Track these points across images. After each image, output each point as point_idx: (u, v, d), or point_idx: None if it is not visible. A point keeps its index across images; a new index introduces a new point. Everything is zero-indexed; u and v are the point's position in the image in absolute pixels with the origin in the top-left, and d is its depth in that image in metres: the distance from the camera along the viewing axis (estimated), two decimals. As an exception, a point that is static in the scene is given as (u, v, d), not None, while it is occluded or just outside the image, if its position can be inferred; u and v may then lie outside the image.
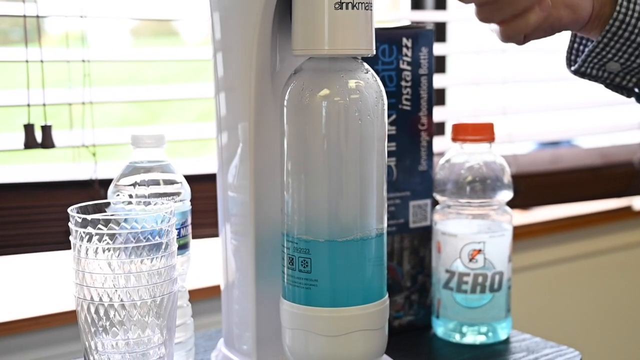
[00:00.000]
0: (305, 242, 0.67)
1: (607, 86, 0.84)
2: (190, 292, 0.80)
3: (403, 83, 0.84)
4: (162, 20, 1.37)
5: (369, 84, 0.66)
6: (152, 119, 1.42)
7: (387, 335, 0.71)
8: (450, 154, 0.87)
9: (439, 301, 0.86)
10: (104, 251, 0.64)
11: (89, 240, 0.64)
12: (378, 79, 0.68)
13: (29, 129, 1.12)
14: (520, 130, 1.66)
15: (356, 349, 0.68)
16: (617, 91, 0.85)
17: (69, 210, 0.65)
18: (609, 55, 0.78)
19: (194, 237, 0.78)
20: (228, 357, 0.78)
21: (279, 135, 0.68)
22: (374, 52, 0.67)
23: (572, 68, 0.83)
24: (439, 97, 1.59)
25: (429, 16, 1.54)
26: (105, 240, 0.64)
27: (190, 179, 0.79)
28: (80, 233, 0.64)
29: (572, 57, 0.85)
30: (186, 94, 1.29)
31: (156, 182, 0.75)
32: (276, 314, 0.72)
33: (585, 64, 0.81)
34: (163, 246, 0.65)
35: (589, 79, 0.84)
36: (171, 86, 1.30)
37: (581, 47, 0.84)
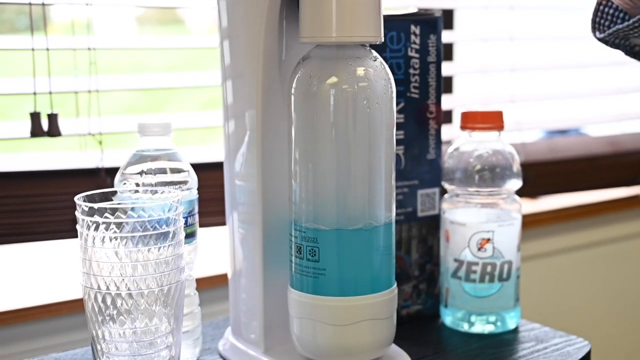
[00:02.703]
0: (313, 230, 0.67)
1: (626, 53, 0.83)
2: (198, 281, 0.80)
3: (411, 71, 0.84)
4: (167, 8, 1.36)
5: (377, 72, 0.66)
6: (159, 107, 1.42)
7: (395, 325, 0.71)
8: (458, 142, 0.86)
9: (447, 290, 0.86)
10: (111, 240, 0.64)
11: (96, 229, 0.64)
12: (386, 66, 0.67)
13: (35, 117, 1.12)
14: (529, 118, 1.65)
15: (364, 338, 0.68)
16: (635, 58, 0.84)
17: (75, 199, 0.65)
18: (637, 34, 0.77)
19: (201, 226, 0.78)
20: (235, 346, 0.78)
21: (287, 124, 0.68)
22: (382, 40, 0.67)
23: (598, 35, 0.82)
24: (446, 85, 1.58)
25: (436, 3, 1.53)
26: (112, 229, 0.64)
27: (197, 167, 0.79)
28: (87, 222, 0.64)
29: (598, 20, 0.83)
30: (192, 82, 1.28)
31: (163, 171, 0.74)
32: (284, 303, 0.72)
33: (610, 37, 0.79)
34: (170, 235, 0.65)
35: (611, 47, 0.82)
36: (177, 74, 1.30)
37: (607, 10, 0.82)
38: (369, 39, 0.65)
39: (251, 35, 0.70)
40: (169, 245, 0.65)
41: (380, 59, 0.67)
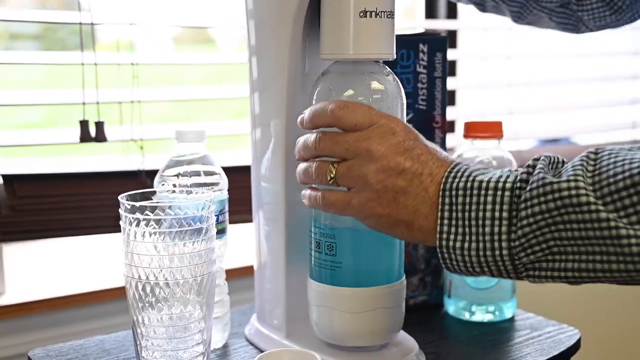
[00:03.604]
0: (330, 228, 0.66)
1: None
2: (227, 272, 0.80)
3: (419, 85, 0.83)
4: (201, 28, 1.36)
5: (390, 85, 0.65)
6: (193, 116, 1.41)
7: (403, 312, 0.70)
8: (462, 150, 0.85)
9: (451, 282, 0.85)
10: (150, 235, 0.64)
11: (137, 225, 0.64)
12: (398, 80, 0.66)
13: (84, 124, 1.12)
14: (524, 128, 1.63)
15: (377, 324, 0.68)
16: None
17: (119, 197, 0.64)
18: None
19: (230, 223, 0.78)
20: (260, 331, 0.77)
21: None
22: (395, 57, 0.66)
23: None
24: (450, 98, 1.56)
25: (441, 24, 1.52)
26: (152, 225, 0.64)
27: (227, 170, 0.79)
28: (129, 218, 0.64)
29: None
30: (222, 94, 1.28)
31: (197, 173, 0.74)
32: (304, 292, 0.71)
33: None
34: (203, 231, 0.65)
35: None
36: (209, 87, 1.30)
37: None
38: (383, 56, 0.65)
39: (277, 52, 0.69)
40: (202, 240, 0.65)
41: (392, 74, 0.67)
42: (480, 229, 0.56)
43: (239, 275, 1.13)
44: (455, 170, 0.58)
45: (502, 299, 0.83)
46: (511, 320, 0.84)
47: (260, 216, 0.76)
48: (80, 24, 1.11)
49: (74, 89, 1.13)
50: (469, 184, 0.57)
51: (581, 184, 0.52)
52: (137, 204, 0.64)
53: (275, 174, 0.72)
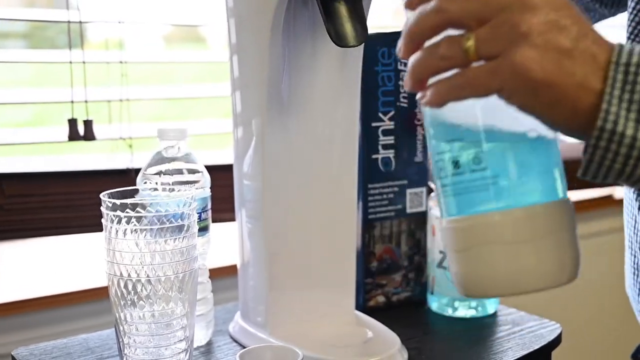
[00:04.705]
0: (471, 133, 0.49)
1: None
2: (211, 270, 0.80)
3: (401, 82, 0.83)
4: (191, 26, 1.36)
5: None
6: (184, 114, 1.42)
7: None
8: (444, 147, 0.85)
9: (434, 279, 0.85)
10: (131, 232, 0.64)
11: (119, 222, 0.64)
12: None
13: (72, 123, 1.12)
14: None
15: (565, 251, 0.49)
16: None
17: (101, 195, 0.65)
18: None
19: (213, 221, 0.78)
20: (244, 328, 0.78)
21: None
22: None
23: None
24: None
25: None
26: (133, 222, 0.64)
27: (211, 168, 0.79)
28: (110, 216, 0.64)
29: None
30: (212, 93, 1.29)
31: (179, 171, 0.75)
32: (287, 289, 0.71)
33: None
34: (185, 228, 0.65)
35: None
36: (198, 85, 1.30)
37: None
38: None
39: (257, 50, 0.70)
40: (183, 237, 0.65)
41: None
42: None
43: (223, 274, 1.13)
44: (627, 47, 0.46)
45: (484, 295, 0.84)
46: (493, 315, 0.85)
47: (243, 214, 0.76)
48: (69, 22, 1.11)
49: (62, 88, 1.13)
50: None
51: None
52: (119, 201, 0.64)
53: (256, 172, 0.72)
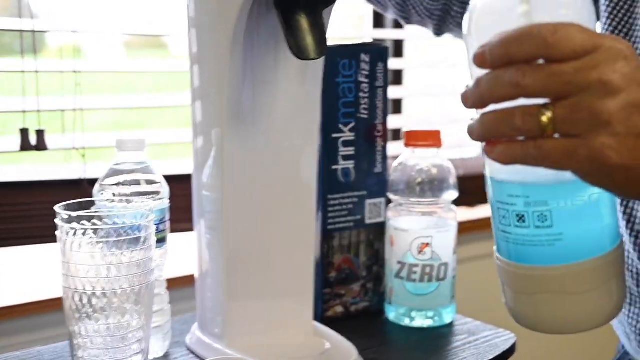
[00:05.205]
0: (540, 192, 0.51)
1: None
2: (168, 281, 0.79)
3: (361, 94, 0.84)
4: (149, 36, 1.35)
5: None
6: (144, 124, 1.40)
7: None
8: (402, 158, 0.87)
9: (392, 289, 0.86)
10: (87, 245, 0.63)
11: (74, 234, 0.63)
12: None
13: (24, 133, 1.10)
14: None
15: (615, 295, 0.53)
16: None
17: (55, 208, 0.64)
18: None
19: (172, 232, 0.77)
20: (201, 340, 0.77)
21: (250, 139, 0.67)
22: None
23: None
24: (396, 106, 1.59)
25: (388, 34, 1.54)
26: (89, 234, 0.63)
27: (170, 179, 0.78)
28: (66, 228, 0.63)
29: None
30: (170, 102, 1.28)
31: (137, 182, 0.74)
32: (245, 300, 0.71)
33: None
34: (142, 240, 0.65)
35: None
36: (158, 94, 1.29)
37: None
38: None
39: (218, 60, 0.70)
40: (140, 249, 0.65)
41: None
42: None
43: (181, 285, 1.12)
44: None
45: (441, 305, 0.85)
46: (450, 325, 0.86)
47: (202, 225, 0.76)
48: (21, 31, 1.09)
49: (14, 97, 1.11)
50: None
51: None
52: (74, 213, 0.63)
53: (216, 183, 0.72)
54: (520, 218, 0.51)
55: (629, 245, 0.74)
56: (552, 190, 0.50)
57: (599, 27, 0.77)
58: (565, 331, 0.54)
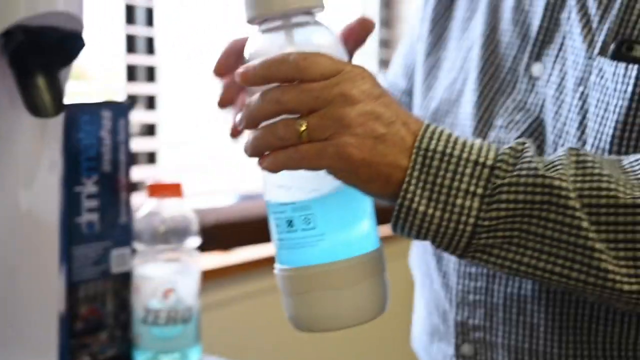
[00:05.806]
0: (304, 199, 0.58)
1: None
2: None
3: (104, 149, 0.88)
4: None
5: (332, 35, 0.60)
6: None
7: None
8: (147, 208, 0.91)
9: (139, 335, 0.89)
10: None
11: None
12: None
13: None
14: (221, 185, 1.75)
15: (378, 291, 0.60)
16: None
17: None
18: None
19: None
20: None
21: None
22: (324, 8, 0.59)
23: None
24: (150, 157, 1.63)
25: (140, 88, 1.59)
26: None
27: None
28: None
29: None
30: None
31: None
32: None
33: None
34: None
35: None
36: None
37: None
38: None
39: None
40: None
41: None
42: (451, 199, 0.55)
43: None
44: (430, 130, 0.56)
45: (187, 346, 0.90)
46: (196, 365, 0.91)
47: None
48: None
49: None
50: (448, 150, 0.55)
51: (570, 186, 0.54)
52: None
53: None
54: (290, 223, 0.58)
55: (437, 285, 0.80)
56: (313, 198, 0.58)
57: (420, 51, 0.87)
58: (336, 327, 0.59)
